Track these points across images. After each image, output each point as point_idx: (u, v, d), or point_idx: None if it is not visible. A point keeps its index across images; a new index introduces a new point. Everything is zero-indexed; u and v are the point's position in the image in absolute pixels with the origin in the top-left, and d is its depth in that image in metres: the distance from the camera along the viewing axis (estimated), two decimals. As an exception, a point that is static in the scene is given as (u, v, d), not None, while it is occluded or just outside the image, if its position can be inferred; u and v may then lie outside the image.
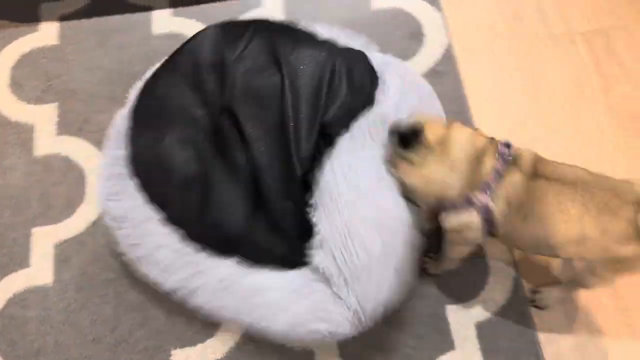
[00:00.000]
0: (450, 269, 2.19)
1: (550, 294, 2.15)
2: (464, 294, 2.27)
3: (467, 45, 2.85)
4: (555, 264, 2.24)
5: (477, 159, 1.71)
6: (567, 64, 2.93)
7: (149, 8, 2.93)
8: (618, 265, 1.68)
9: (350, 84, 2.16)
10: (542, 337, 2.23)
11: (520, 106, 2.74)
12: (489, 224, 1.75)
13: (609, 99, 2.82)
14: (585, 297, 2.30)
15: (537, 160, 1.74)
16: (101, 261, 2.32)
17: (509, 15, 3.08)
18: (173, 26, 2.86)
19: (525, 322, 2.22)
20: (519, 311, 2.24)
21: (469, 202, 1.74)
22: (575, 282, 1.93)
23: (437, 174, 1.74)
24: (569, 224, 1.63)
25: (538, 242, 1.71)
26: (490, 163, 1.70)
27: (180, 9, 2.94)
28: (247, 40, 2.25)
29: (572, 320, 2.30)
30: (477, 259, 2.33)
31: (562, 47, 2.97)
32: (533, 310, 2.27)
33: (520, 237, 1.75)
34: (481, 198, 1.72)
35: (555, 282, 2.16)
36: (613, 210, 1.59)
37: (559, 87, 2.78)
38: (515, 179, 1.69)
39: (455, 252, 2.00)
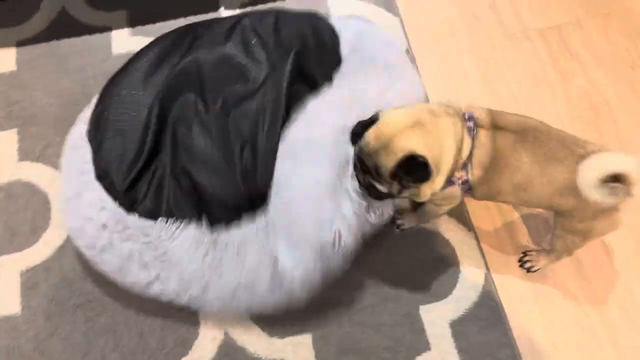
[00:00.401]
0: (425, 223, 2.35)
1: (538, 257, 2.26)
2: (437, 293, 2.27)
3: (426, 47, 2.92)
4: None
5: (458, 149, 1.76)
6: (524, 60, 2.94)
7: (107, 29, 2.94)
8: (574, 227, 1.90)
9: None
10: (516, 331, 2.23)
11: (480, 103, 2.74)
12: (468, 191, 1.89)
13: (567, 92, 2.88)
14: (557, 287, 2.31)
15: (494, 114, 1.83)
16: (69, 286, 2.29)
17: (467, 16, 3.14)
18: (132, 45, 2.83)
19: (498, 316, 2.22)
20: (491, 306, 2.24)
21: (451, 183, 1.84)
22: (555, 248, 2.13)
23: (440, 184, 1.84)
24: (521, 171, 1.77)
25: (510, 191, 1.85)
26: (466, 145, 1.77)
27: (138, 28, 2.95)
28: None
29: (544, 313, 2.32)
30: (446, 258, 2.33)
31: (519, 45, 3.03)
32: (505, 304, 2.27)
33: (497, 190, 1.87)
34: (461, 175, 1.82)
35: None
36: (559, 160, 1.72)
37: (518, 83, 2.83)
38: (483, 142, 1.78)
39: (433, 214, 2.21)
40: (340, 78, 2.36)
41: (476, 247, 2.38)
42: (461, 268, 2.35)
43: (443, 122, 1.73)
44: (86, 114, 2.31)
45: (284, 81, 2.27)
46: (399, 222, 2.35)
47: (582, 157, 1.68)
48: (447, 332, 2.21)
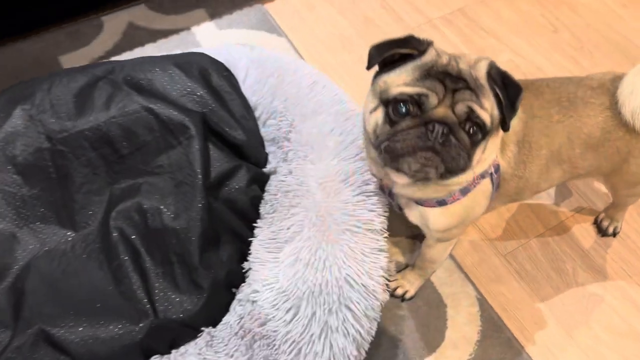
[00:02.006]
0: (429, 277, 1.96)
1: (613, 216, 2.08)
2: (432, 341, 1.84)
3: (323, 60, 2.65)
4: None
5: None
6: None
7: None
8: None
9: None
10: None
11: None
12: (497, 184, 1.56)
13: (497, 71, 2.52)
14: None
15: None
16: None
17: (358, 21, 2.77)
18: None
19: (510, 347, 1.81)
20: (502, 339, 1.83)
21: (481, 177, 1.49)
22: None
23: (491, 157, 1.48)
24: (556, 131, 1.53)
25: (552, 167, 1.58)
26: None
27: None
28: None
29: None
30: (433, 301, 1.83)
31: (428, 35, 2.63)
32: (519, 334, 1.88)
33: (535, 173, 1.58)
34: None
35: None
36: (585, 101, 1.53)
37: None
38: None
39: (439, 255, 1.80)
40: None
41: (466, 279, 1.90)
42: (449, 305, 1.89)
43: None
44: None
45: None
46: (400, 291, 1.91)
47: (604, 85, 1.53)
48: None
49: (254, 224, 1.67)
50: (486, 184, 1.50)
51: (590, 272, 2.02)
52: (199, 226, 1.54)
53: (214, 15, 2.77)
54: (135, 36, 2.70)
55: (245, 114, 1.85)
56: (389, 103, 1.30)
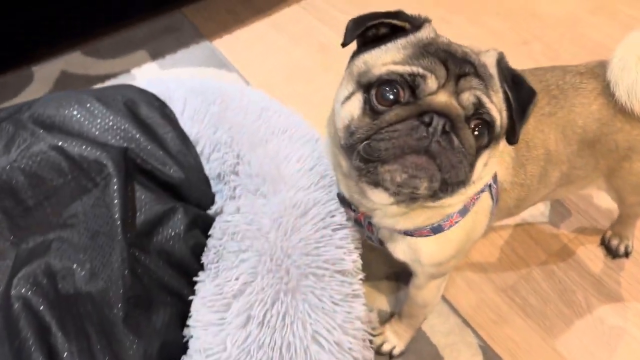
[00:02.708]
0: (420, 326, 1.63)
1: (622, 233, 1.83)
2: None
3: (278, 91, 2.37)
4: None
5: None
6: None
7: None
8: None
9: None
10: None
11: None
12: (497, 197, 1.30)
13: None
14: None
15: None
16: None
17: (313, 49, 2.58)
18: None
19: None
20: None
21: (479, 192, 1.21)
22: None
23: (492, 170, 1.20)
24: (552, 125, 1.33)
25: (551, 169, 1.36)
26: None
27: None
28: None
29: None
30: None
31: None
32: None
33: (535, 179, 1.35)
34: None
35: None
36: (575, 87, 1.35)
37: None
38: None
39: (431, 299, 1.48)
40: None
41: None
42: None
43: None
44: None
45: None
46: (386, 347, 1.60)
47: (592, 70, 1.37)
48: None
49: (195, 278, 1.34)
50: (486, 199, 1.22)
51: (605, 300, 1.75)
52: (121, 286, 1.20)
53: (156, 55, 2.55)
54: (68, 84, 2.44)
55: (183, 148, 1.56)
56: (371, 87, 0.99)
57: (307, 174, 1.45)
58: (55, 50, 2.56)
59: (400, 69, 0.97)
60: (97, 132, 1.50)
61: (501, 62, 1.07)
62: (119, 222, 1.26)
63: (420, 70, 0.96)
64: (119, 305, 1.20)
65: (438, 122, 0.93)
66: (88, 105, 1.54)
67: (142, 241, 1.33)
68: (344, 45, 1.06)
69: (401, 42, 1.03)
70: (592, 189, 1.55)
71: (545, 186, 1.38)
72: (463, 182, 1.00)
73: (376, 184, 1.00)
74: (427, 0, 2.79)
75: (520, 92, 1.06)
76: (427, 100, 0.96)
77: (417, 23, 1.06)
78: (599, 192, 1.59)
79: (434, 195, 1.00)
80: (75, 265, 1.26)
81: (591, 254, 1.86)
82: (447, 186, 0.98)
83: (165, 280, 1.31)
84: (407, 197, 1.01)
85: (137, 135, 1.50)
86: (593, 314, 1.71)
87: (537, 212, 1.95)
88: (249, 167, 1.50)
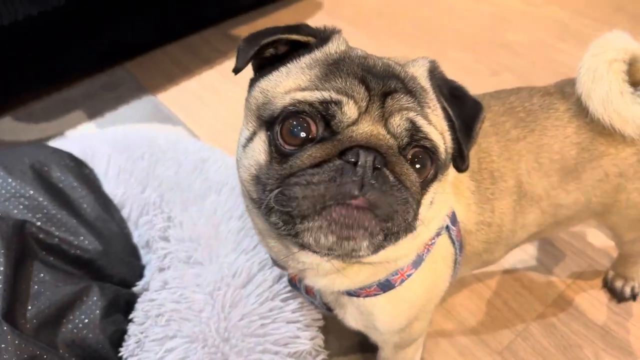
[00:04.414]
0: None
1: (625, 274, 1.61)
2: None
3: (228, 142, 2.10)
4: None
5: None
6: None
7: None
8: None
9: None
10: None
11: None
12: (460, 242, 1.07)
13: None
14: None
15: None
16: None
17: None
18: None
19: None
20: None
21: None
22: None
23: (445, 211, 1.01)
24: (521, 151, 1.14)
25: (523, 205, 1.15)
26: None
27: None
28: None
29: None
30: None
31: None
32: None
33: (506, 212, 1.14)
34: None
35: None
36: (545, 108, 1.18)
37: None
38: None
39: (409, 346, 1.18)
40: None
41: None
42: None
43: None
44: None
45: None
46: None
47: (562, 90, 1.21)
48: None
49: (111, 377, 1.06)
50: (444, 245, 0.98)
51: (617, 353, 1.50)
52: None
53: (94, 114, 2.33)
54: (-4, 152, 2.20)
55: (103, 214, 1.31)
56: (275, 122, 0.77)
57: (250, 233, 1.21)
58: (-20, 117, 2.34)
59: (308, 95, 0.76)
60: (-4, 202, 1.24)
61: (434, 72, 0.88)
62: (0, 313, 0.98)
63: (333, 95, 0.75)
64: None
65: (366, 159, 0.71)
66: (-14, 171, 1.29)
67: (46, 333, 1.05)
68: (236, 71, 0.85)
69: (305, 60, 0.83)
70: (582, 226, 1.33)
71: (523, 228, 1.15)
72: (410, 226, 0.77)
73: (301, 244, 0.75)
74: (390, 39, 2.66)
75: (462, 107, 0.86)
76: (347, 133, 0.75)
77: (323, 36, 0.86)
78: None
79: (378, 249, 0.76)
80: (-51, 376, 0.98)
81: (594, 300, 1.62)
82: (392, 235, 0.75)
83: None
84: (345, 255, 0.77)
85: (45, 203, 1.25)
86: (606, 372, 1.46)
87: (527, 256, 1.72)
88: (180, 230, 1.25)
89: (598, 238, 1.74)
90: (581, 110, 1.14)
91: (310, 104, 0.75)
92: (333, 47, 0.84)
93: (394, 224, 0.74)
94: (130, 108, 2.36)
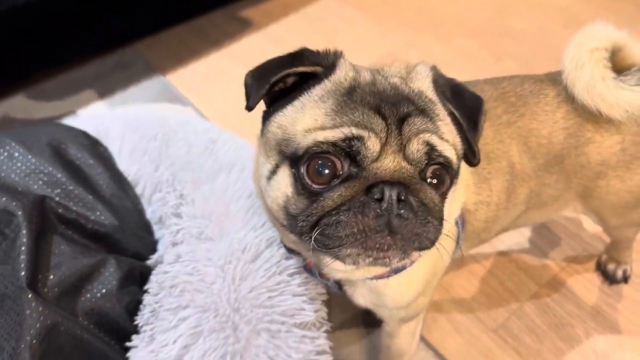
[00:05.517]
0: None
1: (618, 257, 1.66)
2: None
3: (236, 124, 2.13)
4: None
5: None
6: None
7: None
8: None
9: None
10: None
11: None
12: (462, 221, 1.14)
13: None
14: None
15: None
16: None
17: None
18: None
19: None
20: None
21: None
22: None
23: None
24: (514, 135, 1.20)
25: (515, 185, 1.21)
26: None
27: None
28: None
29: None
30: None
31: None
32: None
33: (502, 191, 1.20)
34: None
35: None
36: (535, 93, 1.23)
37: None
38: None
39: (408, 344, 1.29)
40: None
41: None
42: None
43: None
44: None
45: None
46: None
47: (553, 78, 1.24)
48: None
49: (128, 344, 1.13)
50: (449, 225, 1.03)
51: (607, 333, 1.57)
52: (28, 359, 0.98)
53: (104, 94, 2.38)
54: (10, 129, 2.25)
55: (118, 191, 1.36)
56: (299, 160, 0.81)
57: (258, 212, 1.27)
58: (-6, 94, 2.39)
59: (330, 135, 0.80)
60: (16, 178, 1.30)
61: (438, 80, 0.93)
62: (24, 281, 1.05)
63: (354, 131, 0.79)
64: (28, 385, 0.98)
65: (391, 194, 0.78)
66: (7, 147, 1.34)
67: (68, 303, 1.12)
68: (249, 109, 0.88)
69: (317, 92, 0.86)
70: (569, 211, 1.38)
71: (515, 205, 1.21)
72: (434, 243, 0.85)
73: (339, 258, 0.84)
74: (393, 24, 2.69)
75: (464, 103, 0.92)
76: (372, 170, 0.80)
77: (328, 62, 0.89)
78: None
79: (404, 260, 0.85)
80: (-21, 338, 1.05)
81: (587, 282, 1.68)
82: (418, 250, 0.84)
83: (97, 348, 1.09)
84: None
85: (63, 179, 1.31)
86: (595, 349, 1.52)
87: (524, 239, 1.78)
88: (192, 208, 1.31)
89: (592, 223, 1.79)
90: (570, 97, 1.18)
91: (334, 144, 0.79)
92: (342, 75, 0.88)
93: (420, 243, 0.82)
94: (140, 88, 2.40)
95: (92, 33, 2.43)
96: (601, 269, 1.69)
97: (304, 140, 0.81)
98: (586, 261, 1.73)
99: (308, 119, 0.83)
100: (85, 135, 1.44)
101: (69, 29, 2.36)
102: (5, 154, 1.34)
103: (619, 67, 1.15)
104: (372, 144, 0.80)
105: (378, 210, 0.77)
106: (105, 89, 2.39)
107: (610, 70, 1.12)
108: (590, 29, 1.17)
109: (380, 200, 0.78)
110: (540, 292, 1.65)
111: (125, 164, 1.45)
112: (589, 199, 1.30)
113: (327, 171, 0.80)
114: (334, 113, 0.82)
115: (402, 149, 0.82)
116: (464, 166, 0.98)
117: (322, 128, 0.81)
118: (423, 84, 0.91)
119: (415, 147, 0.82)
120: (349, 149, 0.79)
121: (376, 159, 0.80)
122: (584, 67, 1.13)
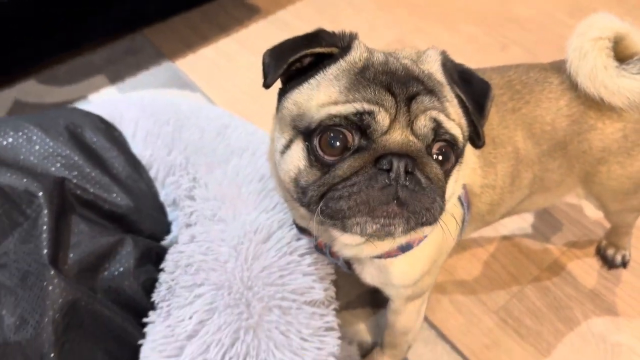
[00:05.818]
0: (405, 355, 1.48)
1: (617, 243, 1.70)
2: None
3: (245, 110, 2.22)
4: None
5: None
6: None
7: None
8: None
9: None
10: None
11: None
12: (468, 203, 1.19)
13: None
14: None
15: None
16: None
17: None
18: None
19: None
20: None
21: None
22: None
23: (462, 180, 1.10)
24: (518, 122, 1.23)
25: (520, 170, 1.25)
26: None
27: None
28: None
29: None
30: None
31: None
32: None
33: (507, 174, 1.24)
34: None
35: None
36: (540, 81, 1.26)
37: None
38: None
39: (412, 323, 1.35)
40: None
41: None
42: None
43: None
44: None
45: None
46: None
47: (558, 66, 1.26)
48: None
49: (145, 319, 1.18)
50: (453, 207, 1.07)
51: (605, 315, 1.61)
52: (51, 334, 1.04)
53: (115, 79, 2.41)
54: (22, 114, 2.29)
55: (133, 173, 1.41)
56: (312, 134, 0.86)
57: (270, 195, 1.31)
58: (8, 79, 2.42)
59: (342, 109, 0.84)
60: (35, 160, 1.35)
61: (446, 64, 0.96)
62: (47, 259, 1.10)
63: (366, 106, 0.84)
64: (52, 355, 1.04)
65: (399, 166, 0.82)
66: (26, 131, 1.39)
67: (87, 280, 1.17)
68: (266, 86, 0.92)
69: (332, 71, 0.90)
70: (571, 196, 1.42)
71: (519, 189, 1.25)
72: (437, 218, 0.88)
73: (346, 230, 0.87)
74: (400, 10, 2.71)
75: (472, 89, 0.95)
76: (381, 142, 0.84)
77: (344, 44, 0.93)
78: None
79: (408, 233, 0.89)
80: (4, 312, 1.10)
81: (586, 266, 1.72)
82: (422, 224, 0.87)
83: (115, 324, 1.14)
84: (383, 237, 0.90)
85: (80, 162, 1.35)
86: (593, 331, 1.57)
87: (526, 224, 1.82)
88: (205, 190, 1.35)
89: (593, 209, 1.83)
90: (574, 85, 1.21)
91: (346, 117, 0.84)
92: (356, 55, 0.92)
93: (424, 217, 0.86)
94: (149, 74, 2.43)
95: (103, 18, 2.46)
96: (601, 253, 1.73)
97: (318, 114, 0.86)
98: (586, 246, 1.77)
99: (323, 95, 0.87)
100: (100, 119, 1.48)
101: (79, 14, 2.39)
102: (24, 137, 1.38)
103: (622, 56, 1.17)
104: (382, 118, 0.84)
105: (386, 180, 0.81)
106: (116, 74, 2.43)
107: (612, 59, 1.15)
108: (594, 18, 1.19)
109: (389, 171, 0.82)
110: (541, 276, 1.69)
111: (139, 148, 1.50)
112: (590, 184, 1.34)
113: (338, 143, 0.85)
114: (347, 90, 0.86)
115: (410, 124, 0.86)
116: (471, 150, 1.02)
117: (336, 103, 0.85)
118: (432, 67, 0.95)
119: (423, 123, 0.86)
120: (360, 123, 0.84)
121: (385, 132, 0.85)
122: (587, 56, 1.15)
